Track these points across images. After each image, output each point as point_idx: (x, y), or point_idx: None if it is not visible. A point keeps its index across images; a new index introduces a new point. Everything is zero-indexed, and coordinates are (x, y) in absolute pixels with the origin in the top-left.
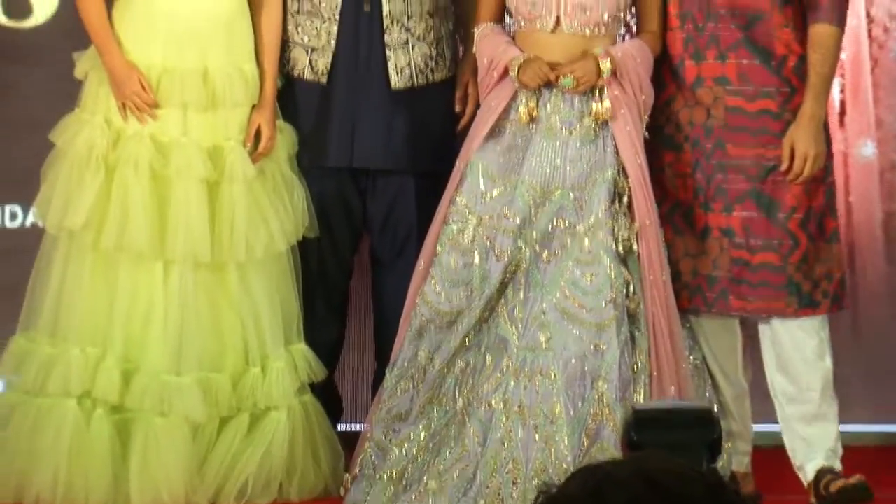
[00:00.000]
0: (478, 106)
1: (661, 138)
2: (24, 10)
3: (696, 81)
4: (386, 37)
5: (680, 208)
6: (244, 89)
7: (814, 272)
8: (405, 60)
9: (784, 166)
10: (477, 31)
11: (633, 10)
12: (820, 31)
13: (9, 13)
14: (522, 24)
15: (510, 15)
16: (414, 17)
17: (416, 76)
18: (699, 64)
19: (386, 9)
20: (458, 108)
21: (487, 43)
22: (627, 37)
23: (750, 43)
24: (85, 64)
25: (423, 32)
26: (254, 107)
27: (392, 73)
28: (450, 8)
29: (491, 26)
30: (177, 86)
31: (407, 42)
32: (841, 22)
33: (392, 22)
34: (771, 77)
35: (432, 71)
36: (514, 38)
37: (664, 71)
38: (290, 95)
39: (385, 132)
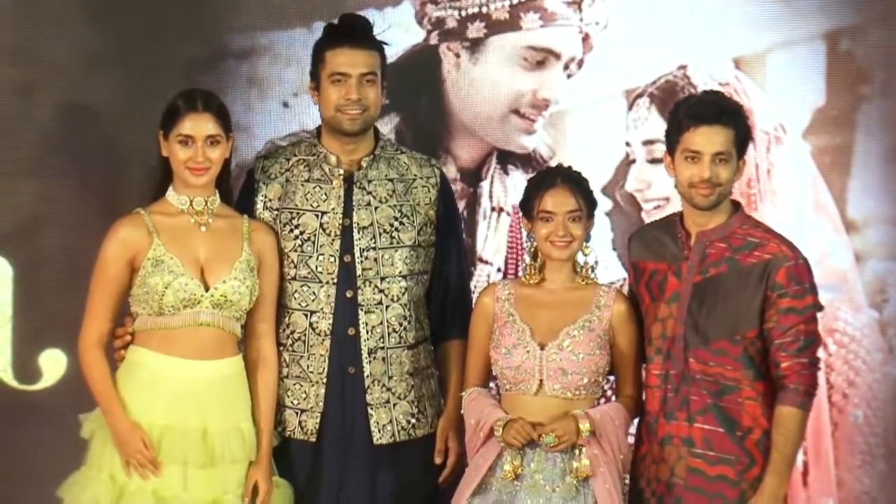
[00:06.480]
0: (459, 459)
1: (635, 492)
2: (34, 375)
3: (666, 438)
4: (368, 396)
5: None
6: (242, 447)
7: None
8: (387, 418)
9: None
10: (465, 395)
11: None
12: (785, 412)
13: (19, 377)
14: (507, 387)
15: (495, 379)
16: (395, 378)
17: (399, 433)
18: (669, 423)
19: (367, 370)
20: (437, 460)
21: (475, 405)
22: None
23: (718, 410)
24: (91, 424)
25: (405, 391)
26: (251, 463)
27: (374, 430)
28: (432, 368)
29: (478, 390)
30: (178, 444)
31: (388, 401)
32: (805, 406)
33: (373, 382)
34: (733, 446)
35: (414, 427)
36: (500, 401)
37: (642, 427)
38: (284, 453)
39: (369, 487)
